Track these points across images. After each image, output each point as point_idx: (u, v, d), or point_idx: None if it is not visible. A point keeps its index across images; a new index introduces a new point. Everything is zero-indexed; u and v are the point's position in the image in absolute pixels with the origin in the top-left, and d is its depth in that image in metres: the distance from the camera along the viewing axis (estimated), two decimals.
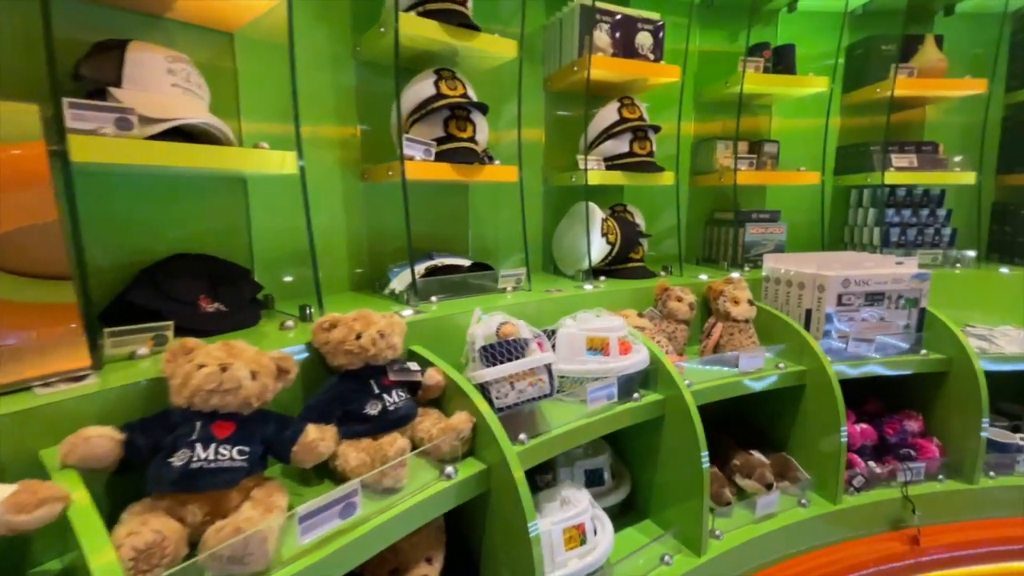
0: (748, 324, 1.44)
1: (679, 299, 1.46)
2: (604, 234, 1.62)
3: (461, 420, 0.89)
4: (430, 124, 1.36)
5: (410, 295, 1.27)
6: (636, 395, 1.19)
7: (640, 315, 1.42)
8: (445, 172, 1.33)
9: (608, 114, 1.69)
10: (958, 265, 1.94)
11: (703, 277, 1.70)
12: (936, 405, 1.60)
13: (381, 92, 1.46)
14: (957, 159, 1.99)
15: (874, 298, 1.49)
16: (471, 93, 1.41)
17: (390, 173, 1.28)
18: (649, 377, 1.26)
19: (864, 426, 1.54)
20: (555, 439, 1.03)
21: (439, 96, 1.35)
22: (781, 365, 1.41)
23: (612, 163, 1.68)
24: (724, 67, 1.95)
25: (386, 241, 1.56)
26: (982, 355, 1.53)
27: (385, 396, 0.90)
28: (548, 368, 1.00)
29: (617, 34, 1.65)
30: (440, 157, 1.34)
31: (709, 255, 2.10)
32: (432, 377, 0.97)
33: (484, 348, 0.97)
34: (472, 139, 1.39)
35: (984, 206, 2.09)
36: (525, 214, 1.51)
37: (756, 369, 1.37)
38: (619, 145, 1.66)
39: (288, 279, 1.37)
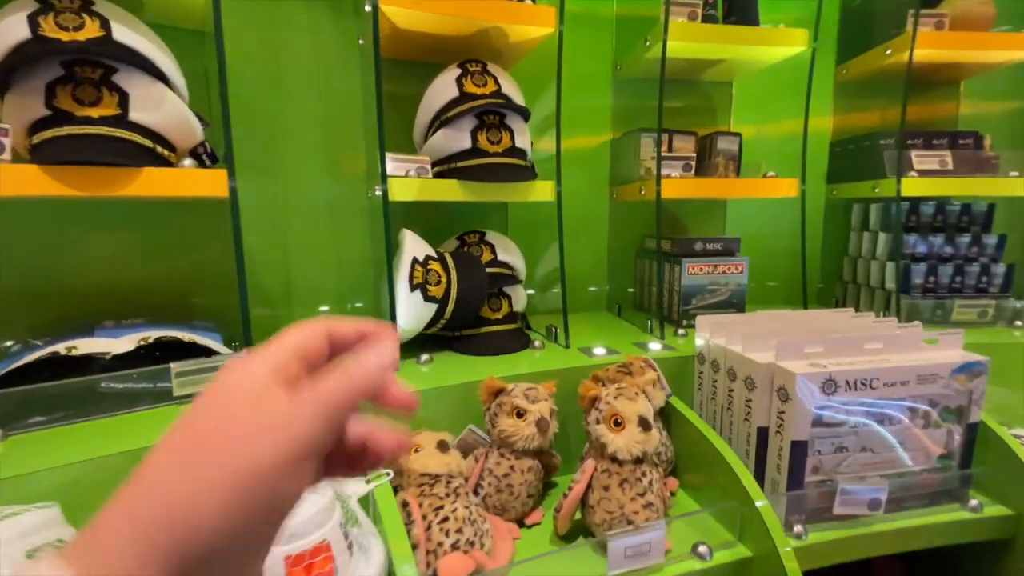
0: (640, 466, 0.76)
1: (518, 413, 0.79)
2: (419, 285, 0.96)
3: None
4: (24, 95, 0.72)
5: None
6: None
7: (445, 445, 0.75)
8: (32, 182, 0.68)
9: (442, 89, 1.03)
10: (1018, 324, 1.25)
11: (598, 353, 1.03)
12: None
13: None
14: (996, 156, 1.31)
15: (884, 412, 0.81)
16: (128, 38, 0.76)
17: None
18: None
19: None
20: None
21: (40, 40, 0.71)
22: (703, 549, 0.73)
23: (449, 167, 1.03)
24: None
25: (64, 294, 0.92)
26: None
27: None
28: None
29: None
30: (43, 152, 0.70)
31: (642, 302, 1.43)
32: None
33: None
34: (118, 120, 0.75)
35: None
36: (243, 252, 0.85)
37: (650, 565, 0.70)
38: (457, 138, 1.01)
39: None
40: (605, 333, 1.20)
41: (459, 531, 0.66)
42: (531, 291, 1.37)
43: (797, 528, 0.77)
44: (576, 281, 1.43)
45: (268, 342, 0.23)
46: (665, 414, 0.94)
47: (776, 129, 1.50)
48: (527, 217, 1.34)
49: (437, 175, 1.03)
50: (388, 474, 0.69)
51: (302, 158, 1.15)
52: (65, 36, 0.73)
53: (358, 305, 1.23)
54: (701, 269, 1.23)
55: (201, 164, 0.86)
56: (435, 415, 0.85)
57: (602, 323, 1.32)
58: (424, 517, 0.66)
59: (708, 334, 0.96)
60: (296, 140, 1.14)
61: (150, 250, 1.02)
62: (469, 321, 1.05)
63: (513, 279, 1.11)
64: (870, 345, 0.84)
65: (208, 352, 0.86)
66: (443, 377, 0.91)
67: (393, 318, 0.93)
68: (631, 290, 1.46)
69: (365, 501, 0.67)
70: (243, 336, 0.84)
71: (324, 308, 1.21)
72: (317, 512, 0.56)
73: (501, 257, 1.11)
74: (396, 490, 0.72)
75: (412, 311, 0.95)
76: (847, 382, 0.78)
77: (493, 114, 1.01)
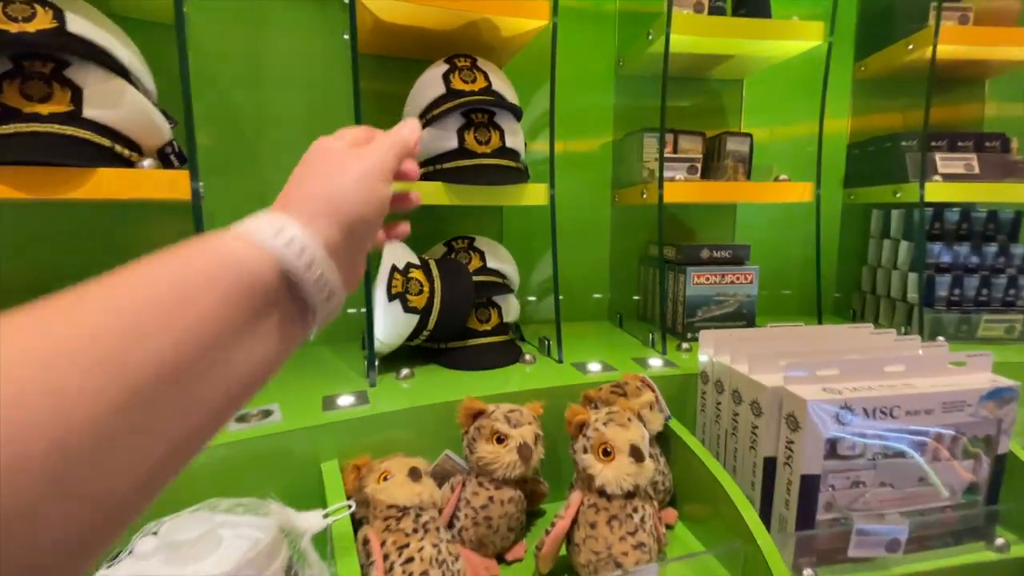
0: (631, 501, 0.69)
1: (498, 438, 0.72)
2: (398, 295, 0.89)
3: None
4: None
5: None
6: None
7: (418, 473, 0.68)
8: None
9: (428, 85, 0.97)
10: None
11: (593, 369, 0.96)
12: None
13: None
14: None
15: (909, 438, 0.73)
16: (84, 30, 0.71)
17: None
18: None
19: None
20: None
21: None
22: None
23: (435, 168, 0.96)
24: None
25: None
26: None
27: None
28: None
29: None
30: None
31: (645, 311, 1.35)
32: None
33: None
34: (71, 117, 0.69)
35: None
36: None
37: None
38: (443, 137, 0.94)
39: None
40: (603, 346, 1.13)
41: (424, 574, 0.59)
42: (531, 297, 1.31)
43: (807, 572, 0.70)
44: (577, 288, 1.36)
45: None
46: (663, 438, 0.86)
47: (789, 130, 1.42)
48: (524, 222, 1.27)
49: (423, 177, 0.97)
50: (349, 506, 0.62)
51: (284, 158, 1.09)
52: (13, 27, 0.68)
53: (349, 311, 1.17)
54: (707, 278, 1.16)
55: (168, 164, 0.80)
56: (412, 438, 0.78)
57: (601, 334, 1.25)
58: (386, 557, 0.60)
59: (712, 351, 0.89)
60: (278, 139, 1.08)
61: (113, 258, 0.97)
62: (455, 333, 0.98)
63: (504, 288, 1.04)
64: (891, 368, 0.76)
65: None
66: (423, 395, 0.84)
67: (370, 329, 0.87)
68: (636, 297, 1.39)
69: (324, 539, 0.61)
70: None
71: None
72: (257, 555, 0.49)
73: (491, 264, 1.05)
74: (361, 523, 0.66)
75: (391, 322, 0.89)
76: (865, 410, 0.70)
77: (481, 112, 0.95)
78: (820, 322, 1.21)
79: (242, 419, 0.74)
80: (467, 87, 0.95)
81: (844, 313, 1.46)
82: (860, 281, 1.42)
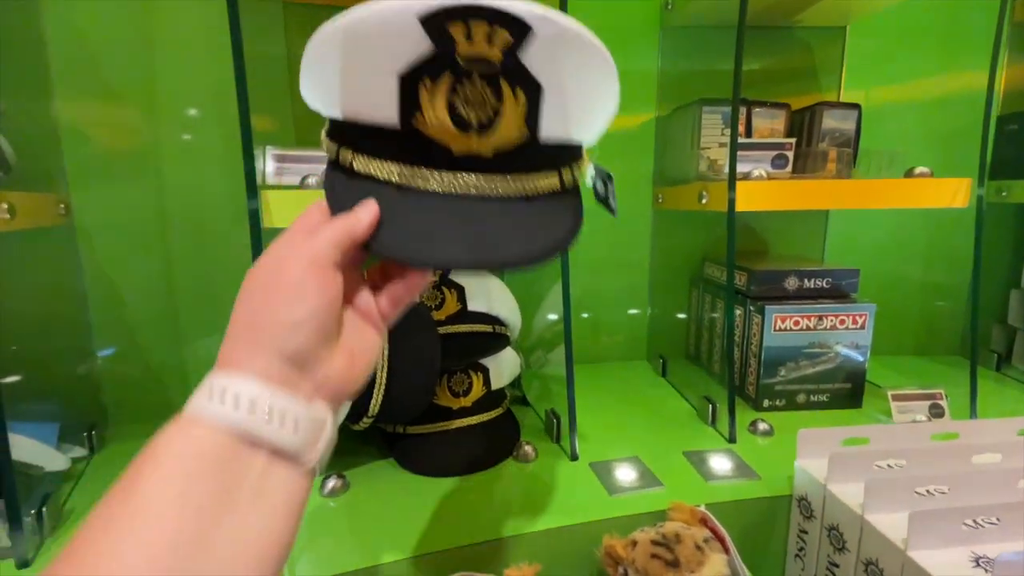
0: None
1: None
2: None
3: None
4: None
5: None
6: None
7: None
8: None
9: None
10: None
11: (623, 480, 0.61)
12: None
13: None
14: None
15: None
16: None
17: None
18: None
19: None
20: None
21: None
22: None
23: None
24: None
25: None
26: None
27: None
28: None
29: None
30: None
31: (697, 351, 0.99)
32: None
33: None
34: None
35: None
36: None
37: None
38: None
39: None
40: (638, 420, 0.78)
41: None
42: (541, 339, 0.97)
43: None
44: (606, 315, 1.02)
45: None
46: None
47: (905, 99, 1.02)
48: None
49: None
50: None
51: (196, 156, 0.78)
52: None
53: None
54: (797, 322, 0.79)
55: None
56: None
57: (637, 392, 0.90)
58: None
59: (822, 471, 0.53)
60: (182, 130, 0.78)
61: None
62: (414, 416, 0.66)
63: (496, 341, 0.71)
64: None
65: None
66: (358, 539, 0.53)
67: None
68: (682, 316, 1.03)
69: None
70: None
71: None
72: None
73: (475, 306, 0.71)
74: None
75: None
76: None
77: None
78: (974, 387, 0.82)
79: None
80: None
81: (984, 358, 1.05)
82: (1007, 312, 1.01)
